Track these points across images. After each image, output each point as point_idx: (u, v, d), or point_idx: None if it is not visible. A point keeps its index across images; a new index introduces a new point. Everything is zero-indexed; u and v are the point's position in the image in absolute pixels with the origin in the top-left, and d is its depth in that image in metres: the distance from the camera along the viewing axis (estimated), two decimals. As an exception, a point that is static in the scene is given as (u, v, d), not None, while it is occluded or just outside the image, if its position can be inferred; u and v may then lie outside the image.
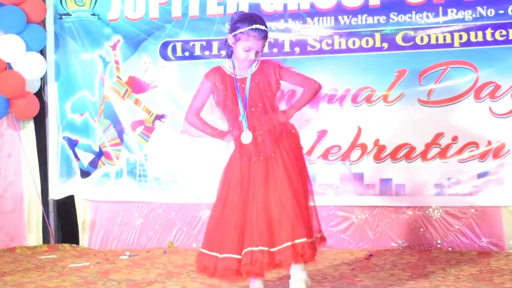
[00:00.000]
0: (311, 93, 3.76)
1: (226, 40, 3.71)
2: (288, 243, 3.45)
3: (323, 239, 3.83)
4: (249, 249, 3.49)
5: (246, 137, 3.62)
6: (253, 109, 3.64)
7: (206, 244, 3.66)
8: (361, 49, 5.41)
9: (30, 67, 5.74)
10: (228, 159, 3.78)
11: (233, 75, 3.67)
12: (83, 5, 5.89)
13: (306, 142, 5.40)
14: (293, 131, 3.76)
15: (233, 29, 3.64)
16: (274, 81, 3.67)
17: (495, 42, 5.15)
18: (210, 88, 3.71)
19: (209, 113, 3.81)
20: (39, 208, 6.01)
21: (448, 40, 5.24)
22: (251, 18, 3.62)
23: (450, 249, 5.21)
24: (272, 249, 3.47)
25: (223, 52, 5.47)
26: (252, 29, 3.56)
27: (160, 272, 4.63)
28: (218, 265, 3.57)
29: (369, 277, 4.24)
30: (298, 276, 3.53)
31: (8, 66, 5.71)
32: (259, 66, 3.68)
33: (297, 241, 3.46)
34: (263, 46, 3.65)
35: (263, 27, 3.60)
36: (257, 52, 3.62)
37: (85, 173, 5.95)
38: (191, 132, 3.85)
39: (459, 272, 4.33)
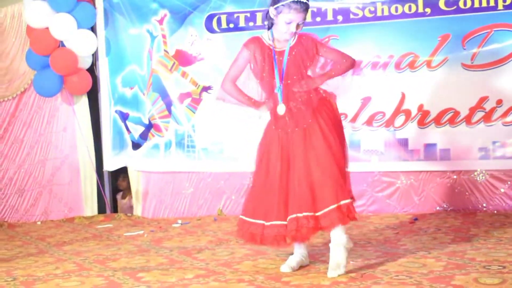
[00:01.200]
0: (344, 66, 3.81)
1: (268, 12, 3.78)
2: (333, 206, 3.55)
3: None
4: (294, 215, 3.60)
5: (281, 109, 3.71)
6: (289, 81, 3.72)
7: (249, 212, 3.79)
8: (403, 15, 5.43)
9: (81, 44, 5.94)
10: (263, 131, 3.87)
11: (271, 47, 3.74)
12: (131, -18, 6.06)
13: (350, 109, 5.52)
14: (330, 99, 3.81)
15: (274, 1, 3.70)
16: (311, 55, 3.74)
17: (540, 3, 5.12)
18: (248, 57, 3.78)
19: (242, 83, 3.87)
20: (94, 179, 6.26)
21: (492, 3, 5.23)
22: None
23: (495, 212, 5.25)
24: (316, 213, 3.58)
25: (267, 23, 5.63)
26: (293, 1, 3.60)
27: (210, 240, 4.81)
28: (265, 232, 3.69)
29: (412, 241, 4.33)
30: (338, 240, 3.61)
31: (61, 44, 5.92)
32: (297, 39, 3.74)
33: (342, 202, 3.56)
34: (304, 19, 3.70)
35: (304, 0, 3.66)
36: (298, 25, 3.66)
37: (136, 145, 6.16)
38: (226, 99, 3.92)
39: (502, 234, 4.39)
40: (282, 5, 3.64)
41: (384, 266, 3.67)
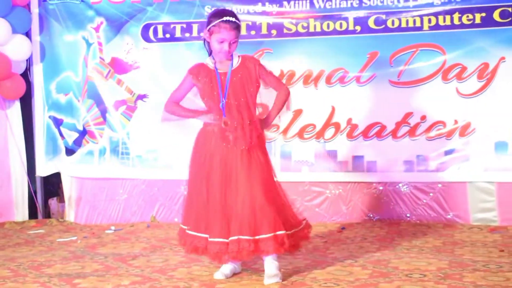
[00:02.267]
0: (283, 99, 4.01)
1: (205, 39, 3.95)
2: (270, 234, 3.70)
3: (308, 226, 4.04)
4: (236, 237, 3.71)
5: (223, 122, 3.84)
6: (236, 102, 3.84)
7: (191, 224, 3.89)
8: (335, 31, 5.64)
9: (16, 49, 5.91)
10: (196, 140, 3.98)
11: (215, 69, 3.89)
12: (67, -12, 6.07)
13: (282, 121, 5.69)
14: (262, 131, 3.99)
15: (207, 24, 3.89)
16: (254, 78, 3.89)
17: (462, 26, 5.41)
18: (191, 80, 3.94)
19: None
20: (26, 184, 6.23)
21: (418, 24, 5.50)
22: (222, 12, 3.89)
23: (418, 222, 5.52)
24: (256, 237, 3.71)
25: (203, 34, 5.76)
26: (223, 21, 3.80)
27: (144, 246, 4.90)
28: (209, 247, 3.79)
29: (340, 250, 4.54)
30: (270, 270, 3.74)
31: (-6, 49, 5.89)
32: (241, 62, 3.90)
33: (278, 233, 3.72)
34: (236, 37, 3.84)
35: (233, 19, 3.82)
36: (230, 44, 3.82)
37: (70, 151, 6.17)
38: (171, 118, 4.09)
39: (424, 244, 4.65)
40: (213, 25, 3.83)
41: (313, 274, 3.85)
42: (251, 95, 3.89)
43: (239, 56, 3.93)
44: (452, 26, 5.43)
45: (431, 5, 5.46)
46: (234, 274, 3.92)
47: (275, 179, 3.98)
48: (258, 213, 3.73)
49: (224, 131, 3.85)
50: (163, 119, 4.12)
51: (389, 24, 5.54)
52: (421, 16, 5.48)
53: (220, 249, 3.76)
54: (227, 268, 3.90)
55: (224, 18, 3.81)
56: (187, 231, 3.90)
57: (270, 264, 3.76)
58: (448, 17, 5.43)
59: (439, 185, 5.54)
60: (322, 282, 3.67)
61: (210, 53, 3.95)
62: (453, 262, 4.06)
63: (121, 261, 4.40)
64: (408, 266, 3.98)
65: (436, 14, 5.44)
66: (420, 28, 5.50)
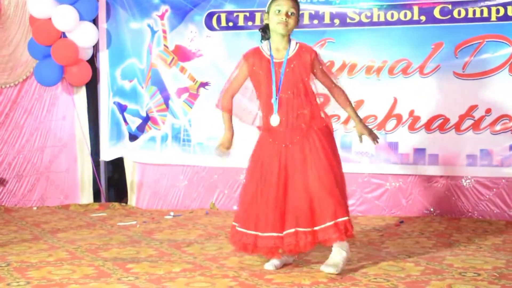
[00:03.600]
0: (347, 97, 3.96)
1: (263, 26, 3.91)
2: (331, 222, 3.66)
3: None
4: (293, 230, 3.70)
5: (274, 120, 3.80)
6: (285, 95, 3.80)
7: (241, 222, 3.88)
8: (399, 21, 5.55)
9: (83, 36, 6.06)
10: (256, 142, 3.96)
11: (270, 58, 3.83)
12: (133, -24, 6.17)
13: (342, 111, 5.56)
14: (322, 115, 3.90)
15: (267, 8, 3.86)
16: (308, 71, 3.82)
17: (531, 16, 5.24)
18: (246, 70, 3.90)
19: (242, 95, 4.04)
20: (90, 168, 6.39)
21: (485, 14, 5.35)
22: None
23: (479, 218, 5.39)
24: (315, 228, 3.69)
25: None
26: None
27: (200, 233, 4.95)
28: (258, 243, 3.77)
29: (395, 244, 4.47)
30: (341, 244, 3.71)
31: (63, 35, 6.04)
32: (296, 51, 3.82)
33: (339, 219, 3.67)
34: (294, 8, 3.76)
35: None
36: (288, 15, 3.74)
37: (133, 137, 6.29)
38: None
39: (483, 241, 4.53)
40: (271, 2, 3.79)
41: (365, 269, 3.81)
42: (304, 84, 3.82)
43: (296, 43, 3.86)
44: (521, 17, 5.26)
45: (499, -5, 5.30)
46: (285, 265, 3.91)
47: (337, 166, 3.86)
48: (315, 204, 3.70)
49: (273, 130, 3.82)
50: (217, 105, 4.08)
51: (455, 14, 5.40)
52: (488, 7, 5.33)
53: (274, 244, 3.75)
54: (277, 259, 3.90)
55: None
56: (237, 228, 3.89)
57: (336, 253, 3.70)
58: (517, 8, 5.27)
59: (503, 181, 5.39)
60: (372, 277, 3.63)
61: (268, 38, 3.88)
62: (511, 261, 3.95)
63: (176, 247, 4.46)
64: (463, 264, 3.89)
65: (504, 5, 5.28)
66: (488, 19, 5.34)
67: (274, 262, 3.87)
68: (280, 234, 3.75)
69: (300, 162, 3.77)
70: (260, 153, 3.89)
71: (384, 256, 4.12)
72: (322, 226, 3.68)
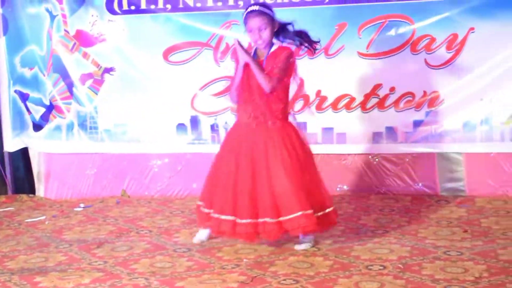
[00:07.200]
0: (263, 77, 4.12)
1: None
2: (293, 215, 4.01)
3: (335, 212, 4.32)
4: (263, 220, 4.05)
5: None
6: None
7: (216, 207, 4.17)
8: (303, 2, 5.53)
9: (-24, 23, 5.77)
10: (232, 127, 4.42)
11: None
12: (28, -42, 5.89)
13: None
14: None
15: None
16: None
17: (431, -5, 5.32)
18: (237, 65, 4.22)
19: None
20: (-7, 160, 6.18)
21: (386, -6, 5.40)
22: (248, 6, 4.22)
23: (387, 193, 5.54)
24: (279, 219, 4.04)
25: (169, 6, 5.66)
26: (247, 12, 4.16)
27: (111, 230, 4.88)
28: (239, 229, 4.08)
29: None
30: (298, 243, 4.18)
31: (-46, 23, 5.74)
32: (276, 50, 4.18)
33: (300, 213, 4.01)
34: (263, 23, 4.11)
35: (255, 7, 4.12)
36: (260, 31, 4.10)
37: (37, 126, 6.10)
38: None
39: (389, 223, 4.67)
40: (244, 21, 4.19)
41: (274, 267, 3.86)
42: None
43: (279, 46, 4.20)
44: (421, -5, 5.34)
45: (400, -26, 5.35)
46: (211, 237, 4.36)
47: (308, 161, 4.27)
48: (281, 196, 4.03)
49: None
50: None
51: (357, -6, 5.43)
52: (391, -14, 5.37)
53: (252, 230, 4.05)
54: (203, 234, 4.37)
55: (248, 9, 4.16)
56: (213, 215, 4.16)
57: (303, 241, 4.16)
58: (417, -13, 5.34)
59: (409, 156, 5.55)
60: (282, 278, 3.68)
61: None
62: (415, 248, 4.09)
63: (86, 250, 4.38)
64: (370, 255, 4.00)
65: (404, -16, 5.34)
66: (389, -2, 5.40)
67: (201, 236, 4.35)
68: (255, 221, 4.06)
69: (271, 156, 4.10)
70: (233, 136, 4.28)
71: (294, 248, 4.18)
72: (286, 218, 4.03)
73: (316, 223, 4.05)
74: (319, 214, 4.11)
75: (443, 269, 3.67)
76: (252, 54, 4.17)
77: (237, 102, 4.30)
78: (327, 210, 4.19)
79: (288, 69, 4.18)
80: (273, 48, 4.18)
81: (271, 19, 4.15)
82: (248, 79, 4.15)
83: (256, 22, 4.10)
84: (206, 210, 4.28)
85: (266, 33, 4.11)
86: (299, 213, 4.00)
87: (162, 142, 5.86)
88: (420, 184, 5.56)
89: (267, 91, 4.10)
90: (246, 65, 4.13)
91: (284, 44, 4.24)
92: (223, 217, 4.11)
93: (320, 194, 4.21)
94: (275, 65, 4.12)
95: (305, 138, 4.35)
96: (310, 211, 4.02)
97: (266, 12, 4.13)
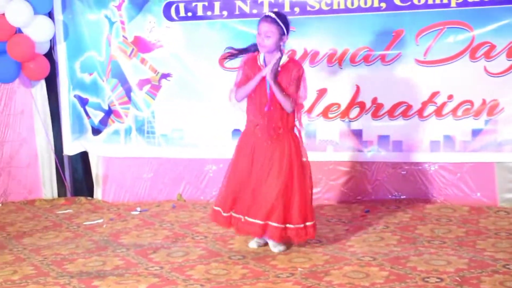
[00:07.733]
0: (288, 103, 4.28)
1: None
2: (261, 222, 4.27)
3: (313, 228, 4.38)
4: (238, 216, 4.40)
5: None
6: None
7: (225, 206, 4.47)
8: (359, 9, 5.49)
9: (38, 30, 5.88)
10: (243, 133, 4.54)
11: (261, 66, 4.31)
12: (88, -34, 6.01)
13: (306, 100, 5.57)
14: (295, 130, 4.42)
15: None
16: (290, 81, 4.28)
17: (491, 2, 5.22)
18: (245, 71, 4.36)
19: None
20: (53, 163, 6.30)
21: (445, 1, 5.31)
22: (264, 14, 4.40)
23: (444, 202, 5.46)
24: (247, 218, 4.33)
25: (225, 13, 5.69)
26: (263, 16, 4.34)
27: (166, 235, 4.94)
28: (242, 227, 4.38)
29: (360, 241, 4.51)
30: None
31: (18, 30, 5.88)
32: (286, 62, 4.30)
33: (272, 223, 4.25)
34: (271, 31, 4.22)
35: (271, 14, 4.26)
36: (267, 37, 4.21)
37: (96, 131, 6.21)
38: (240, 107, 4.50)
39: (446, 234, 4.60)
40: (258, 22, 4.30)
41: (329, 277, 3.85)
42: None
43: (289, 58, 4.36)
44: (481, 2, 5.26)
45: (459, -19, 5.27)
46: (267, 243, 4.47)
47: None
48: (261, 199, 4.27)
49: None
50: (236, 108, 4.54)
51: (415, 1, 5.36)
52: (448, -7, 5.30)
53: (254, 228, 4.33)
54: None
55: (265, 13, 4.36)
56: (224, 213, 4.45)
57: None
58: (476, -7, 5.25)
59: (467, 166, 5.46)
60: None
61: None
62: (473, 260, 4.02)
63: (142, 255, 4.45)
64: (427, 266, 3.95)
65: (464, -9, 5.26)
66: (448, 5, 5.31)
67: (258, 240, 4.47)
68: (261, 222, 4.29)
69: (266, 165, 4.30)
70: (245, 142, 4.44)
71: (349, 258, 4.16)
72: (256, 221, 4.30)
73: (279, 235, 4.26)
74: (300, 226, 4.27)
75: (502, 283, 3.61)
76: (262, 63, 4.33)
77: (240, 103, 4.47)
78: (307, 224, 4.31)
79: (300, 86, 4.34)
80: (284, 60, 4.31)
81: (281, 31, 4.25)
82: (256, 90, 4.30)
83: (265, 27, 4.23)
84: (225, 214, 4.48)
85: (270, 41, 4.23)
86: (262, 222, 4.26)
87: (217, 147, 5.89)
88: (478, 194, 5.46)
89: (289, 112, 4.30)
90: (263, 78, 4.26)
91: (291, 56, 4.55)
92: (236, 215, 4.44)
93: (304, 207, 4.31)
94: (291, 83, 4.27)
95: (304, 150, 4.44)
96: (275, 224, 4.24)
97: (277, 23, 4.23)
